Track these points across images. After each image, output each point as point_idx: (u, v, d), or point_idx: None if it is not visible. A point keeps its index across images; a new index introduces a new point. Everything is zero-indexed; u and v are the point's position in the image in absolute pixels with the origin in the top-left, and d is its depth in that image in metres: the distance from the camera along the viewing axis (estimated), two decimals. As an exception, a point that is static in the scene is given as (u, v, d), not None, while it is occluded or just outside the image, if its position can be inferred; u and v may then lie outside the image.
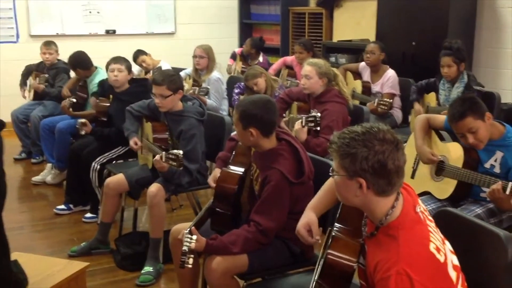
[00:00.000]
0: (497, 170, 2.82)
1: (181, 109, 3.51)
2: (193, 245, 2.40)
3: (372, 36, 6.51)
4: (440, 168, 3.01)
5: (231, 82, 5.55)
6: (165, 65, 5.97)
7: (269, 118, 2.52)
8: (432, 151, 3.05)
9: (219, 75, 5.32)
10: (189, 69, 5.58)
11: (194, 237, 2.41)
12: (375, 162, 1.68)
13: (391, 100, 4.52)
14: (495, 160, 2.83)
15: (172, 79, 3.42)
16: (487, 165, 2.86)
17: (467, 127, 2.76)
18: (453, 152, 2.96)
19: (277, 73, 6.19)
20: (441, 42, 4.75)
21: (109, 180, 3.67)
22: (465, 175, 2.82)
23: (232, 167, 2.74)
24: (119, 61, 4.16)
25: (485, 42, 6.15)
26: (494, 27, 6.05)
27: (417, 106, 4.69)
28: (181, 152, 3.06)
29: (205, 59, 5.26)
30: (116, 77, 4.14)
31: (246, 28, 8.46)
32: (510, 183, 2.53)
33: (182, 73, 5.51)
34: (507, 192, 2.51)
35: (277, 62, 6.43)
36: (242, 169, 2.70)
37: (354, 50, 6.68)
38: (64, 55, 5.37)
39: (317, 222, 2.18)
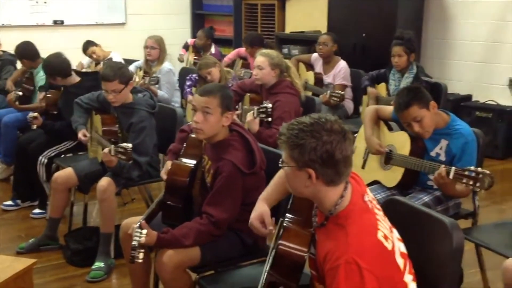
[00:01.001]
0: (442, 158, 2.89)
1: (132, 101, 3.45)
2: (143, 239, 2.36)
3: (324, 28, 6.57)
4: (389, 157, 3.07)
5: (183, 74, 5.49)
6: (116, 56, 5.85)
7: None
8: (380, 142, 3.11)
9: (170, 66, 5.25)
10: (139, 62, 5.49)
11: (144, 231, 2.38)
12: (323, 152, 1.69)
13: (343, 92, 4.59)
14: (440, 148, 2.90)
15: (122, 72, 3.36)
16: (433, 154, 2.92)
17: (412, 116, 2.82)
18: (400, 141, 3.02)
19: (231, 64, 6.17)
20: (390, 34, 4.85)
21: (57, 174, 3.59)
22: (411, 162, 2.88)
23: (183, 160, 2.71)
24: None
25: (432, 33, 6.30)
26: (441, 19, 6.21)
27: (370, 89, 4.76)
28: (130, 145, 3.01)
29: (156, 50, 5.18)
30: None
31: (198, 19, 8.37)
32: (453, 167, 2.60)
33: (132, 66, 5.41)
34: (451, 176, 2.58)
35: (232, 53, 6.42)
36: (194, 161, 2.67)
37: (307, 42, 6.74)
38: (10, 47, 5.19)
39: (270, 213, 2.19)
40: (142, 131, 3.35)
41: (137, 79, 5.06)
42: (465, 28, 6.04)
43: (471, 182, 2.49)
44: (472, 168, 2.52)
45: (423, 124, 2.83)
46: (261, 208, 2.18)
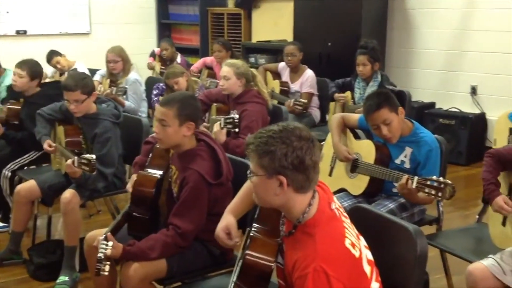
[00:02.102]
0: (407, 165, 2.93)
1: (95, 111, 3.40)
2: (109, 251, 2.33)
3: (290, 37, 6.62)
4: (355, 165, 3.09)
5: (150, 83, 5.45)
6: (81, 66, 5.77)
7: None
8: (348, 149, 3.13)
9: (136, 76, 5.19)
10: (103, 70, 5.42)
11: (110, 243, 2.34)
12: (294, 158, 1.70)
13: (306, 101, 4.63)
14: (405, 156, 2.94)
15: (84, 82, 3.31)
16: (397, 161, 2.96)
17: (382, 118, 2.85)
18: (366, 150, 3.05)
19: (198, 74, 6.15)
20: (355, 43, 4.91)
21: (19, 187, 3.51)
22: (376, 171, 2.91)
23: (149, 170, 2.68)
24: (21, 66, 3.97)
25: (396, 42, 6.41)
26: (404, 28, 6.32)
27: (337, 94, 4.82)
28: (93, 156, 2.97)
29: (119, 62, 5.11)
30: (15, 82, 3.97)
31: (164, 28, 8.34)
32: (416, 177, 2.63)
33: (97, 75, 5.35)
34: (414, 186, 2.61)
35: (198, 62, 6.41)
36: (160, 172, 2.65)
37: (273, 51, 6.77)
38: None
39: (236, 225, 2.18)
40: (107, 141, 3.30)
41: (101, 89, 4.99)
42: (428, 37, 6.15)
43: (433, 192, 2.52)
44: (435, 178, 2.55)
45: (392, 127, 2.86)
46: (227, 220, 2.17)
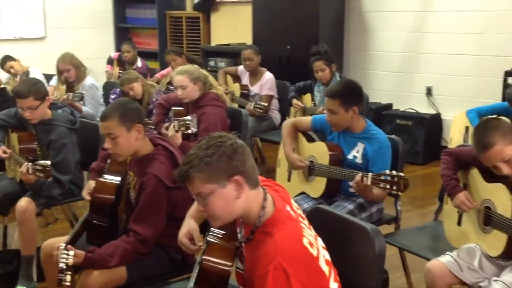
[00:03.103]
0: (359, 161, 3.00)
1: (50, 117, 3.33)
2: (71, 261, 2.28)
3: (249, 40, 6.63)
4: (311, 168, 3.12)
5: (108, 88, 5.38)
6: (35, 71, 5.66)
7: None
8: (300, 158, 3.16)
9: (93, 81, 5.12)
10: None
11: (71, 252, 2.29)
12: (239, 154, 1.73)
13: (266, 104, 4.66)
14: (357, 152, 3.01)
15: (36, 88, 3.23)
16: (350, 156, 3.03)
17: (330, 106, 2.95)
18: (320, 152, 3.09)
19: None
20: (313, 46, 4.95)
21: (-27, 196, 3.40)
22: (331, 172, 2.96)
23: (107, 177, 2.65)
24: None
25: (353, 45, 6.50)
26: (361, 31, 6.41)
27: (295, 101, 4.85)
28: (48, 162, 2.91)
29: (71, 70, 5.00)
30: None
31: (122, 32, 8.23)
32: (370, 173, 2.70)
33: (53, 80, 5.25)
34: (369, 182, 2.67)
35: (166, 70, 6.31)
36: (119, 178, 2.62)
37: (233, 54, 6.77)
38: None
39: (198, 229, 2.16)
40: (63, 148, 3.24)
41: (57, 95, 4.89)
42: (384, 40, 6.26)
43: (388, 186, 2.60)
44: (388, 172, 2.63)
45: (335, 118, 2.95)
46: (189, 225, 2.15)
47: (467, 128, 4.30)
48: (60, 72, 5.01)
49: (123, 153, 2.50)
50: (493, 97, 5.08)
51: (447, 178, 2.57)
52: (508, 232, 2.24)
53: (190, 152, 1.76)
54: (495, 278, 2.26)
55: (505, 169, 2.27)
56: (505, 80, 5.04)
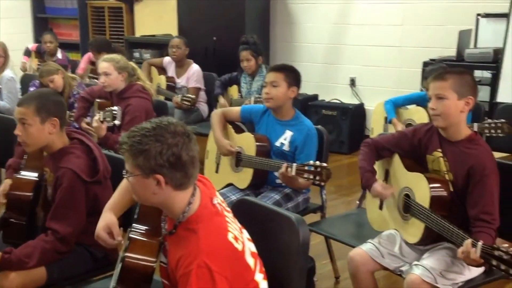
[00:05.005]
0: (286, 148, 3.04)
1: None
2: None
3: (174, 31, 6.54)
4: (238, 159, 3.12)
5: (26, 81, 5.15)
6: None
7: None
8: (230, 142, 3.15)
9: (12, 74, 4.89)
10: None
11: (-14, 254, 2.17)
12: (170, 155, 1.66)
13: (194, 96, 4.60)
14: (285, 139, 3.05)
15: None
16: (277, 143, 3.06)
17: (274, 79, 3.01)
18: (247, 143, 3.10)
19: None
20: (239, 37, 4.94)
21: None
22: (258, 162, 2.98)
23: (24, 173, 2.53)
24: None
25: (279, 37, 6.55)
26: (287, 23, 6.47)
27: (221, 100, 4.84)
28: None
29: (1, 58, 4.79)
30: None
31: (41, 23, 7.92)
32: (294, 164, 2.73)
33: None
34: (293, 173, 2.71)
35: (83, 61, 6.12)
36: (36, 174, 2.50)
37: (158, 45, 6.66)
38: None
39: (117, 223, 2.10)
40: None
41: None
42: (309, 31, 6.34)
43: (311, 176, 2.65)
44: (311, 162, 2.68)
45: (274, 91, 3.00)
46: (107, 218, 2.07)
47: (386, 118, 4.43)
48: None
49: (31, 143, 2.39)
50: (413, 87, 5.26)
51: (363, 170, 2.63)
52: (425, 221, 2.31)
53: (137, 127, 1.71)
54: (416, 262, 2.34)
55: (432, 104, 2.35)
56: (423, 71, 5.23)
